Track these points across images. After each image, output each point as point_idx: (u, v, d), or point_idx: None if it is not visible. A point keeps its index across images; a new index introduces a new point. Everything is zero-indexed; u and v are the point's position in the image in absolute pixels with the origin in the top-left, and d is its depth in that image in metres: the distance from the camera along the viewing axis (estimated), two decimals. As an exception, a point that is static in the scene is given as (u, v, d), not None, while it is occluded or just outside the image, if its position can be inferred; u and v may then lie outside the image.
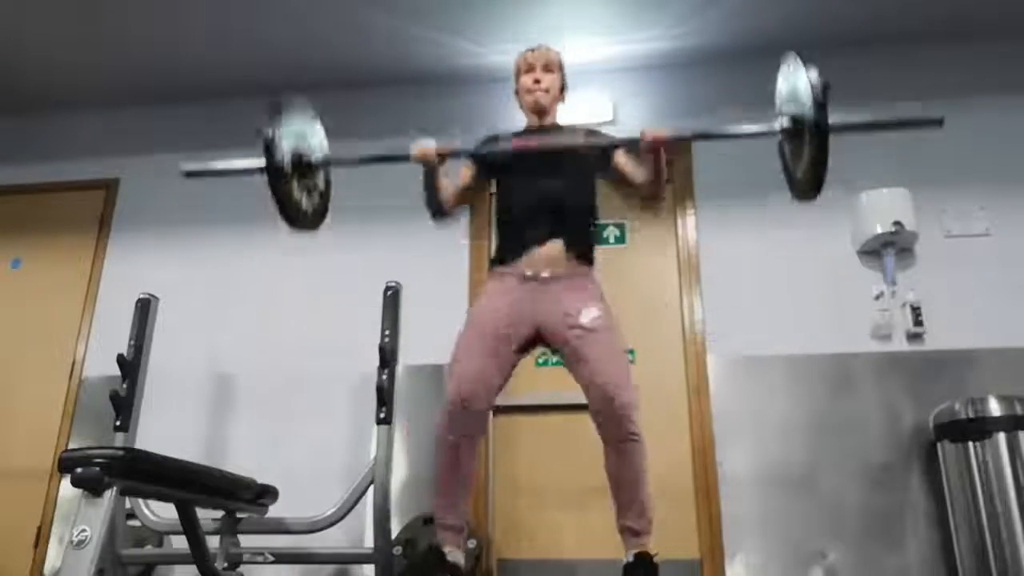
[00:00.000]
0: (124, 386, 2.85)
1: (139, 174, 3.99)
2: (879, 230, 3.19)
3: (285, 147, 2.08)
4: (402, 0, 3.37)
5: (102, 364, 3.39)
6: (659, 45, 3.66)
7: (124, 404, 2.82)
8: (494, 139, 2.27)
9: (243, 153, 4.19)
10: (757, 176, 3.52)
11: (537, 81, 2.23)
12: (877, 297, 3.22)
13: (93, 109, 4.14)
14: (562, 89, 2.30)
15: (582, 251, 2.11)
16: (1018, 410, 2.65)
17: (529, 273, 2.06)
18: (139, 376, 2.91)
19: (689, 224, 3.49)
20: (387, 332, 2.88)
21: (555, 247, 2.07)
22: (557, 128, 2.27)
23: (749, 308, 3.30)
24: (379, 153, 2.39)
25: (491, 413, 2.02)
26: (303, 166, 2.15)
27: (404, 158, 2.20)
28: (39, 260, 3.95)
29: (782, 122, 2.03)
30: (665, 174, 2.14)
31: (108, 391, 2.85)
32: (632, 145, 2.12)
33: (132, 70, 3.89)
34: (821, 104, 1.84)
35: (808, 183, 1.94)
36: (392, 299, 2.97)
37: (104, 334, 3.60)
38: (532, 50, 2.29)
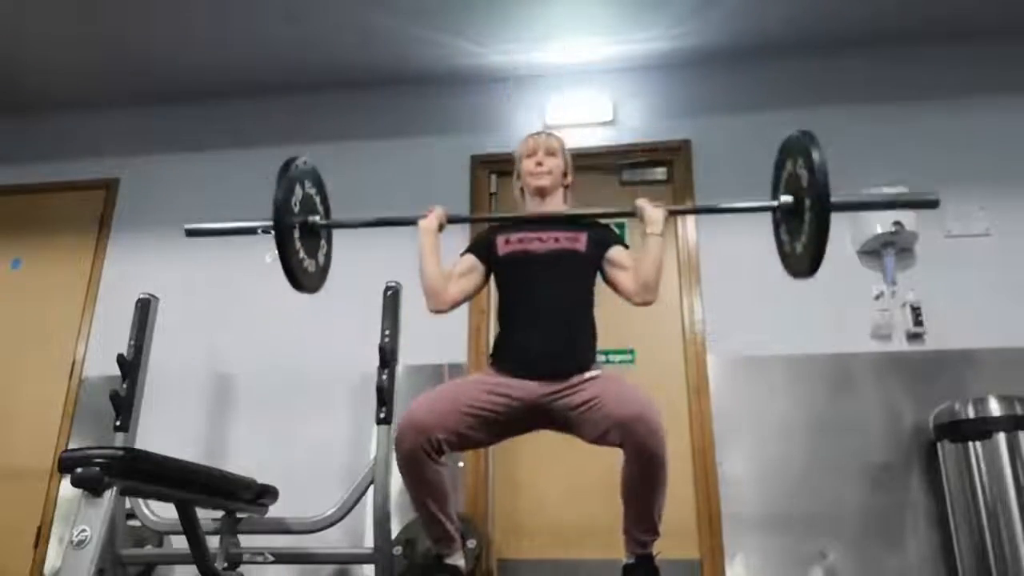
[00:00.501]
0: (124, 386, 2.85)
1: (139, 174, 3.99)
2: (879, 230, 3.19)
3: (294, 210, 2.13)
4: (402, 0, 3.36)
5: (102, 364, 3.39)
6: (659, 45, 3.65)
7: (124, 404, 2.82)
8: (491, 232, 2.21)
9: (244, 155, 4.20)
10: (757, 177, 3.53)
11: (539, 164, 2.19)
12: (877, 297, 3.22)
13: (93, 109, 4.14)
14: (565, 174, 2.24)
15: (583, 356, 2.02)
16: (1018, 410, 2.65)
17: (529, 381, 1.97)
18: (139, 376, 2.91)
19: (689, 224, 3.49)
20: (387, 332, 2.87)
21: (554, 371, 1.97)
22: (561, 220, 2.17)
23: (749, 308, 3.30)
24: (385, 216, 2.43)
25: (451, 445, 1.90)
26: (309, 228, 2.19)
27: (411, 222, 2.22)
28: (39, 260, 3.95)
29: (783, 200, 2.04)
30: (661, 255, 2.06)
31: (108, 391, 2.84)
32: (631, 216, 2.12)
33: (132, 70, 3.89)
34: (823, 187, 1.84)
35: (806, 260, 1.93)
36: (392, 299, 2.96)
37: (104, 334, 3.60)
38: (534, 136, 2.26)
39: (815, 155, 1.87)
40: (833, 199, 1.85)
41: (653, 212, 2.08)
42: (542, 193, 2.20)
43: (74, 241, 3.91)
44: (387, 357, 2.83)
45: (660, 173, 3.71)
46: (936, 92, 3.54)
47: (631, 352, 3.37)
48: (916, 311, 3.16)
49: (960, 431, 2.75)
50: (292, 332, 3.53)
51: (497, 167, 3.63)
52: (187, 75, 3.92)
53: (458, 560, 2.01)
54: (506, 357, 2.05)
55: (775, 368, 3.20)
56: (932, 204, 2.04)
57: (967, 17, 3.48)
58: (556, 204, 2.23)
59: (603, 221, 2.26)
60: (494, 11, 3.43)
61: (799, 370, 3.19)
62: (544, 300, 2.05)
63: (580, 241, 2.10)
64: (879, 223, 3.19)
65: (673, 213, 2.18)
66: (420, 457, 1.85)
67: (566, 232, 2.11)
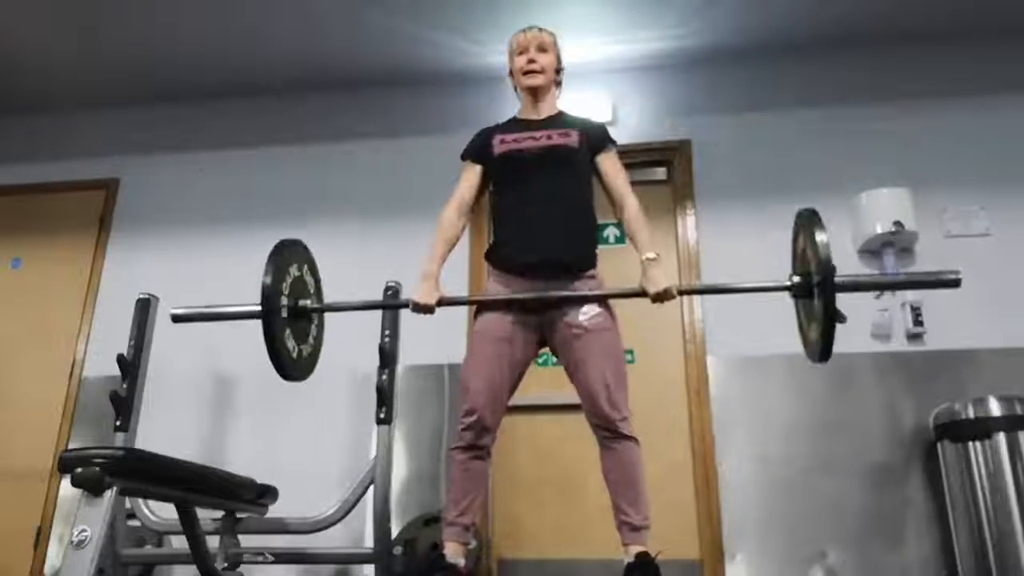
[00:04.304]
0: (124, 386, 2.85)
1: (139, 174, 3.99)
2: (879, 230, 3.19)
3: (283, 294, 2.06)
4: (402, 0, 3.36)
5: (102, 364, 3.39)
6: (659, 45, 3.66)
7: (124, 404, 2.82)
8: (485, 133, 2.25)
9: (244, 154, 4.19)
10: (757, 176, 3.55)
11: (532, 61, 2.20)
12: (877, 297, 3.22)
13: (93, 109, 4.14)
14: (558, 71, 2.28)
15: (582, 252, 2.10)
16: (1018, 410, 2.65)
17: (529, 277, 2.06)
18: (139, 376, 2.91)
19: (689, 224, 3.49)
20: (387, 332, 2.87)
21: (554, 250, 2.06)
22: (554, 119, 2.21)
23: (749, 308, 3.30)
24: (375, 300, 2.46)
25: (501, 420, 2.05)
26: (299, 312, 2.13)
27: (403, 305, 2.20)
28: (39, 260, 3.95)
29: (795, 281, 2.03)
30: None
31: (108, 391, 2.85)
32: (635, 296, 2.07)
33: (132, 70, 3.90)
34: (829, 269, 1.84)
35: (819, 345, 1.93)
36: (392, 299, 2.96)
37: (104, 334, 3.60)
38: (525, 31, 2.26)
39: (819, 238, 1.86)
40: (839, 280, 1.82)
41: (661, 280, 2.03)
42: (535, 93, 2.22)
43: (74, 241, 3.91)
44: (387, 357, 2.83)
45: (660, 173, 3.71)
46: (936, 92, 3.54)
47: (631, 352, 3.37)
48: (916, 311, 3.16)
49: (960, 431, 2.75)
50: (292, 332, 3.53)
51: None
52: (187, 75, 3.92)
53: (459, 559, 2.01)
54: (505, 256, 2.11)
55: (775, 368, 3.20)
56: (952, 284, 1.95)
57: (967, 17, 3.48)
58: (549, 103, 2.24)
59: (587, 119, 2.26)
60: (494, 11, 3.43)
61: (799, 370, 3.18)
62: (540, 196, 2.09)
63: (571, 137, 2.13)
64: (879, 223, 3.19)
65: (682, 293, 2.16)
66: (481, 451, 2.01)
67: (559, 129, 2.15)
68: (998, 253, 3.26)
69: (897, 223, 3.16)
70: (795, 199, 3.40)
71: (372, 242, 3.66)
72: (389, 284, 3.00)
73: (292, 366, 2.11)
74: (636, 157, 3.66)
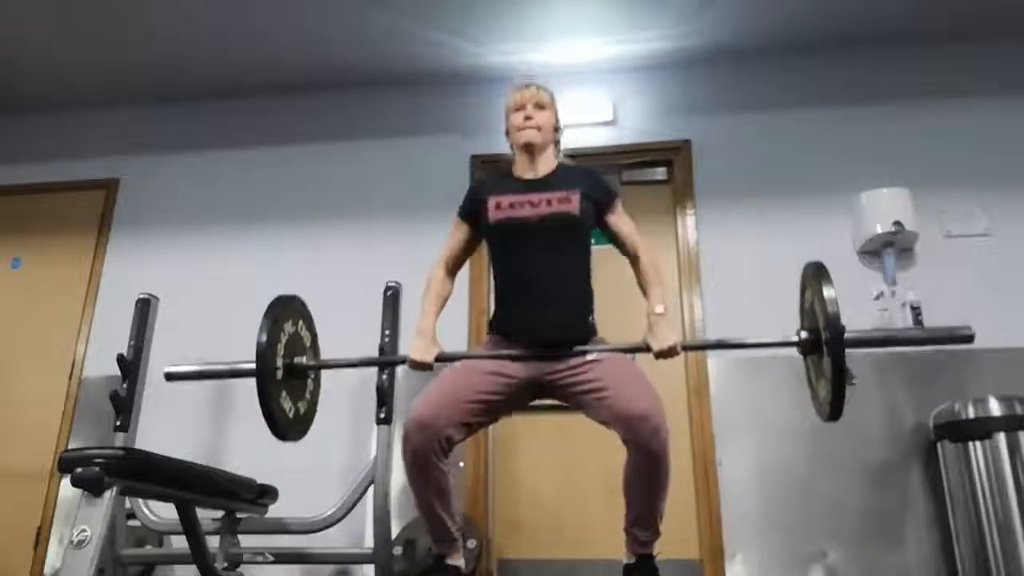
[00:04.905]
0: (124, 386, 2.84)
1: (139, 174, 3.99)
2: (879, 230, 3.19)
3: (279, 354, 2.00)
4: (402, 0, 3.36)
5: (102, 364, 3.39)
6: (659, 45, 3.65)
7: (124, 404, 2.82)
8: (480, 192, 2.14)
9: (243, 154, 4.18)
10: (757, 176, 3.55)
11: (528, 118, 2.09)
12: (877, 297, 3.22)
13: (93, 109, 4.14)
14: (556, 129, 2.16)
15: (583, 328, 2.02)
16: (1018, 410, 2.65)
17: (529, 347, 1.97)
18: (139, 376, 2.91)
19: (689, 224, 3.49)
20: (387, 332, 2.87)
21: (557, 329, 1.97)
22: (551, 180, 2.09)
23: (749, 308, 3.30)
24: (372, 357, 2.47)
25: (457, 439, 1.91)
26: (295, 370, 2.06)
27: (400, 362, 2.12)
28: (39, 260, 3.95)
29: (801, 335, 1.99)
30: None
31: (108, 391, 2.84)
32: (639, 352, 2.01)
33: (132, 70, 3.89)
34: (838, 328, 1.79)
35: (828, 404, 1.88)
36: (392, 299, 2.96)
37: (104, 334, 3.60)
38: (522, 89, 2.15)
39: (827, 294, 1.82)
40: (849, 337, 1.78)
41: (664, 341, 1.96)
42: (531, 150, 2.11)
43: (74, 241, 3.91)
44: (387, 357, 2.83)
45: (660, 173, 3.71)
46: (936, 92, 3.54)
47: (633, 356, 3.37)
48: (916, 311, 3.16)
49: (960, 431, 2.74)
50: (292, 332, 3.53)
51: (497, 168, 3.63)
52: (187, 75, 3.92)
53: (458, 560, 2.02)
54: (505, 328, 2.03)
55: (775, 368, 3.19)
56: (966, 339, 1.90)
57: (967, 17, 3.47)
58: (547, 160, 2.13)
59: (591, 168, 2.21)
60: (494, 11, 3.43)
61: (799, 370, 3.16)
62: (538, 269, 2.00)
63: (572, 202, 2.01)
64: (879, 223, 3.19)
65: (687, 348, 2.10)
66: (427, 455, 1.85)
67: (558, 193, 2.03)
68: (998, 253, 3.26)
69: (897, 223, 3.16)
70: (795, 199, 3.45)
71: (373, 242, 3.66)
72: (389, 284, 3.01)
73: (287, 425, 2.03)
74: (636, 157, 3.67)
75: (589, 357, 1.93)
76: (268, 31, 3.59)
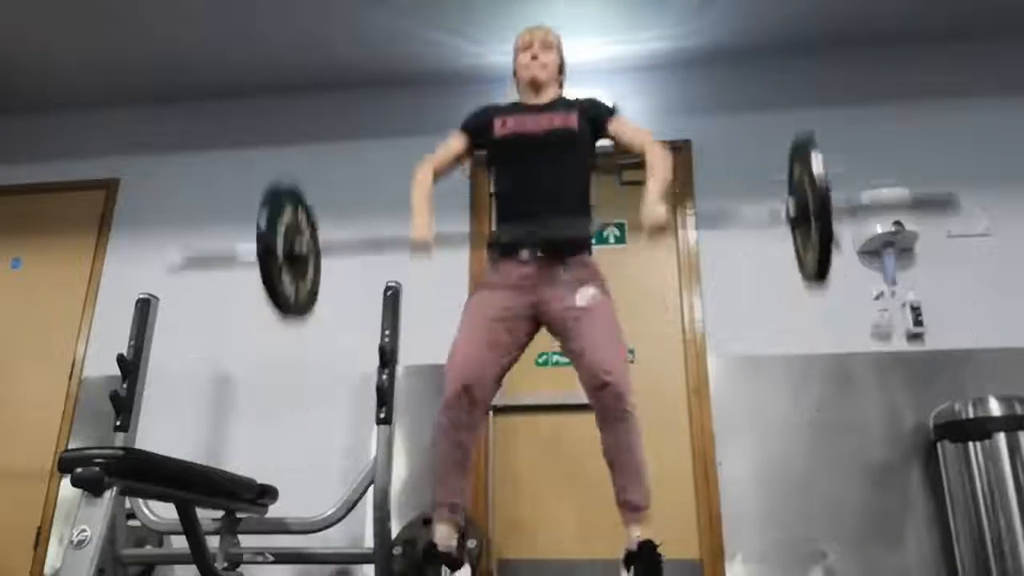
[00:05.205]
0: (124, 386, 2.84)
1: (139, 174, 3.99)
2: (879, 230, 3.19)
3: (279, 236, 2.07)
4: (402, 0, 3.36)
5: (102, 364, 3.39)
6: (659, 45, 3.66)
7: (124, 404, 2.82)
8: (488, 112, 2.28)
9: (243, 155, 4.20)
10: (757, 176, 3.54)
11: (535, 57, 2.27)
12: (877, 297, 3.22)
13: (93, 109, 4.14)
14: (560, 69, 2.33)
15: (579, 231, 2.14)
16: (1018, 410, 2.65)
17: (526, 258, 2.08)
18: (139, 376, 2.91)
19: (689, 224, 3.49)
20: (387, 332, 2.88)
21: (553, 227, 2.08)
22: (553, 103, 2.26)
23: (749, 308, 3.30)
24: (375, 237, 2.46)
25: (490, 408, 2.02)
26: (295, 256, 2.15)
27: (401, 243, 2.18)
28: (39, 260, 3.95)
29: (789, 209, 2.04)
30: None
31: (108, 391, 2.85)
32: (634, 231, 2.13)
33: (132, 70, 3.89)
34: (825, 195, 1.83)
35: (815, 267, 1.93)
36: (392, 299, 2.97)
37: (104, 334, 3.60)
38: (530, 29, 2.33)
39: (815, 162, 1.87)
40: (836, 206, 1.84)
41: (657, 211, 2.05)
42: (536, 86, 2.27)
43: (74, 241, 3.91)
44: (387, 357, 2.83)
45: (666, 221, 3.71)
46: (936, 92, 3.54)
47: (631, 352, 3.37)
48: (916, 311, 3.16)
49: (960, 431, 2.74)
50: (292, 332, 3.50)
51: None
52: (187, 75, 3.92)
53: (451, 543, 1.99)
54: (505, 239, 2.12)
55: (775, 368, 3.20)
56: (950, 203, 2.00)
57: (965, 17, 3.47)
58: (550, 95, 2.28)
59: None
60: (494, 11, 3.43)
61: (799, 370, 3.18)
62: (540, 178, 2.12)
63: (571, 119, 2.17)
64: (879, 223, 3.19)
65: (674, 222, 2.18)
66: (469, 422, 1.97)
67: (559, 113, 2.19)
68: (998, 253, 3.26)
69: (897, 223, 3.16)
70: (795, 199, 3.45)
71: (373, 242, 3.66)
72: (389, 284, 3.01)
73: (290, 305, 2.15)
74: (636, 157, 3.64)
75: (580, 302, 2.02)
76: (268, 31, 3.59)
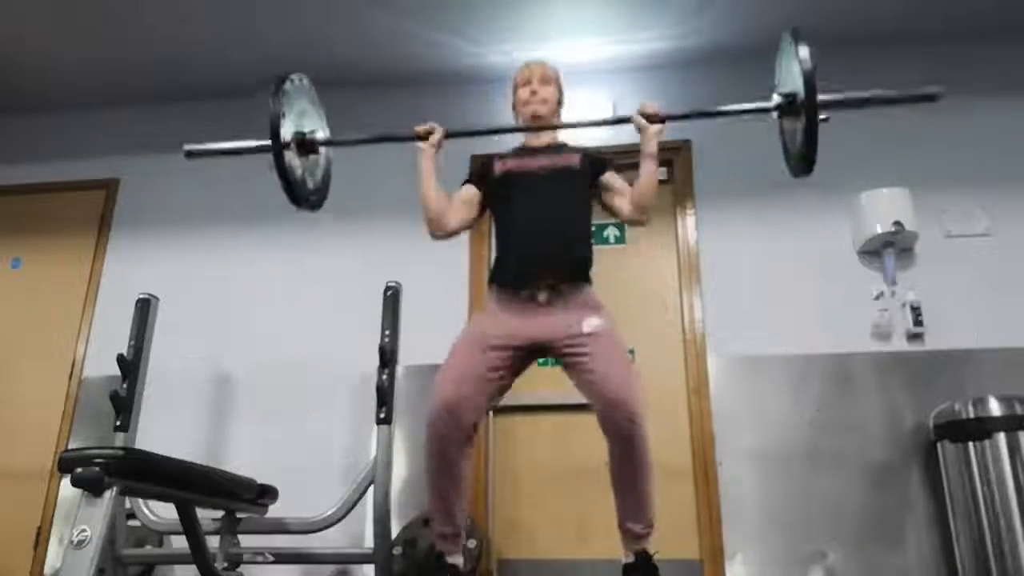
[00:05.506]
0: (124, 386, 2.85)
1: (139, 174, 3.99)
2: (879, 230, 3.19)
3: (289, 125, 2.16)
4: (402, 0, 3.36)
5: (102, 364, 3.39)
6: (659, 45, 3.66)
7: (124, 404, 2.82)
8: (489, 157, 2.28)
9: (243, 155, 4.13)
10: (757, 176, 3.54)
11: (534, 92, 2.25)
12: (877, 297, 3.22)
13: (93, 109, 4.14)
14: (559, 104, 2.32)
15: (580, 273, 2.10)
16: (1018, 410, 2.65)
17: (527, 296, 2.05)
18: (139, 376, 2.91)
19: (689, 224, 3.49)
20: (387, 332, 2.88)
21: (553, 272, 2.05)
22: (555, 147, 2.26)
23: (749, 308, 3.30)
24: (381, 133, 2.45)
25: (480, 423, 1.98)
26: (306, 144, 2.21)
27: (407, 138, 2.26)
28: (39, 260, 3.95)
29: (776, 99, 2.10)
30: (655, 178, 2.15)
31: (108, 391, 2.85)
32: (627, 122, 2.17)
33: (132, 70, 3.89)
34: (810, 81, 1.90)
35: (802, 157, 1.99)
36: (392, 299, 2.97)
37: (104, 334, 3.60)
38: (528, 65, 2.32)
39: (803, 54, 1.93)
40: (822, 97, 1.91)
41: (649, 129, 2.12)
42: (537, 121, 2.26)
43: (74, 241, 3.91)
44: (387, 357, 2.83)
45: (660, 173, 3.69)
46: (936, 92, 3.54)
47: (631, 352, 3.37)
48: (916, 311, 3.16)
49: (960, 431, 2.74)
50: (292, 332, 3.53)
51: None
52: (187, 75, 3.92)
53: (458, 559, 2.02)
54: (505, 270, 2.11)
55: (775, 368, 3.20)
56: (932, 97, 2.07)
57: (966, 17, 3.47)
58: (551, 134, 2.29)
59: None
60: (494, 11, 3.43)
61: (799, 370, 3.18)
62: (540, 214, 2.11)
63: (574, 159, 2.19)
64: (879, 223, 3.19)
65: (669, 118, 2.22)
66: (455, 445, 1.91)
67: (560, 155, 2.21)
68: (998, 253, 3.26)
69: (897, 223, 3.16)
70: (795, 199, 3.45)
71: (373, 241, 3.66)
72: (389, 284, 3.01)
73: (304, 193, 2.20)
74: (636, 157, 3.65)
75: (586, 328, 1.99)
76: (268, 31, 3.59)
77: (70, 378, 3.63)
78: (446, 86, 3.86)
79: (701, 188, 3.53)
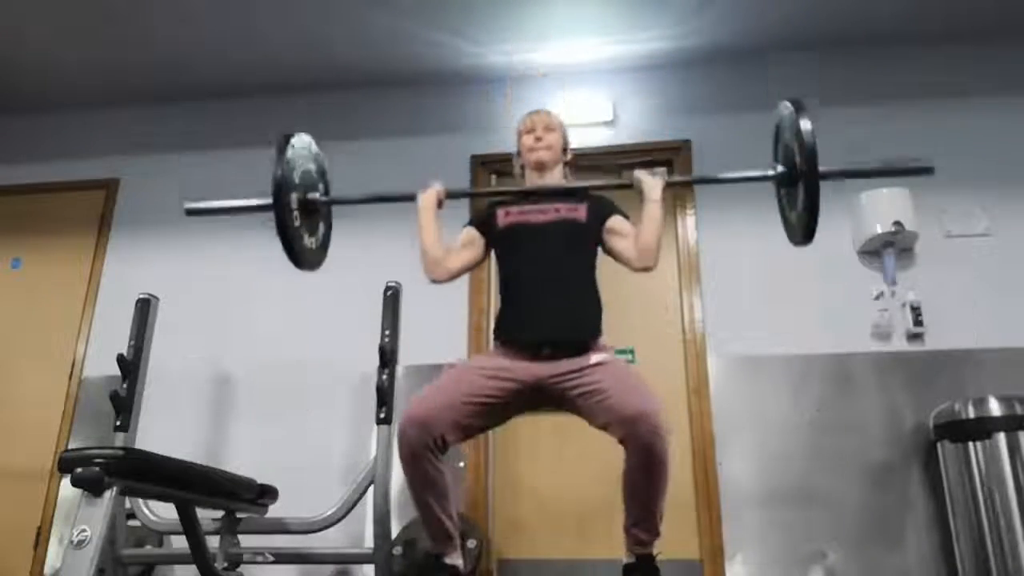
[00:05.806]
0: (124, 386, 2.84)
1: (139, 174, 3.99)
2: (879, 230, 3.19)
3: (293, 186, 2.13)
4: (402, 0, 3.37)
5: (102, 364, 3.39)
6: (659, 45, 3.66)
7: (124, 404, 2.82)
8: (492, 206, 2.24)
9: (244, 155, 4.21)
10: (757, 176, 3.54)
11: (538, 139, 2.22)
12: (877, 297, 3.22)
13: (93, 109, 4.14)
14: (564, 151, 2.28)
15: (587, 332, 2.02)
16: (1018, 410, 2.65)
17: (531, 346, 1.98)
18: (139, 376, 2.91)
19: (689, 224, 3.49)
20: (387, 332, 2.88)
21: (562, 330, 2.00)
22: (560, 193, 2.20)
23: (749, 308, 3.30)
24: (384, 193, 2.46)
25: (455, 441, 1.92)
26: (309, 205, 2.18)
27: (410, 198, 2.23)
28: (39, 260, 3.95)
29: (777, 169, 2.09)
30: (659, 223, 2.09)
31: (108, 391, 2.85)
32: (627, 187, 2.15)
33: (132, 70, 3.90)
34: (812, 155, 1.88)
35: (801, 228, 1.98)
36: (392, 299, 2.96)
37: (104, 334, 3.60)
38: (532, 114, 2.29)
39: (804, 126, 1.91)
40: (822, 169, 1.90)
41: (650, 180, 2.11)
42: (541, 167, 2.22)
43: (74, 241, 3.91)
44: (387, 357, 2.83)
45: (660, 173, 3.70)
46: (936, 92, 3.54)
47: (631, 352, 3.37)
48: (916, 311, 3.16)
49: (960, 431, 2.74)
50: (292, 332, 3.53)
51: (497, 167, 3.63)
52: (187, 75, 3.92)
53: (457, 560, 2.01)
54: (510, 329, 2.05)
55: (775, 368, 3.20)
56: (926, 171, 2.05)
57: (966, 17, 3.48)
58: (556, 179, 2.24)
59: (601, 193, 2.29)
60: (494, 11, 3.43)
61: (799, 370, 3.18)
62: (545, 270, 2.07)
63: (580, 211, 2.13)
64: (879, 223, 3.19)
65: (670, 184, 2.20)
66: (423, 455, 1.86)
67: (566, 204, 2.15)
68: (998, 253, 3.27)
69: (897, 223, 3.16)
70: (795, 199, 3.45)
71: (373, 242, 3.65)
72: (389, 284, 3.01)
73: (305, 254, 2.18)
74: (636, 157, 3.66)
75: (593, 360, 1.94)
76: (268, 31, 3.59)
77: (70, 378, 3.63)
78: (446, 86, 3.86)
79: (701, 188, 3.52)
